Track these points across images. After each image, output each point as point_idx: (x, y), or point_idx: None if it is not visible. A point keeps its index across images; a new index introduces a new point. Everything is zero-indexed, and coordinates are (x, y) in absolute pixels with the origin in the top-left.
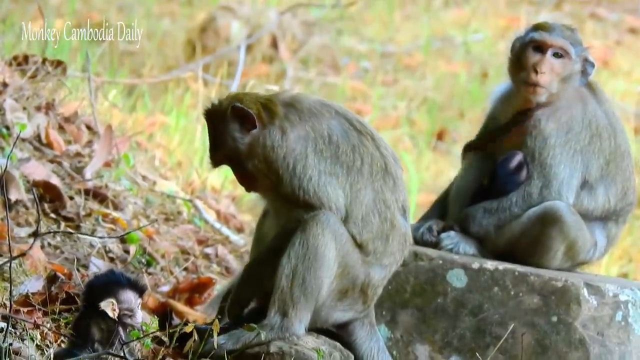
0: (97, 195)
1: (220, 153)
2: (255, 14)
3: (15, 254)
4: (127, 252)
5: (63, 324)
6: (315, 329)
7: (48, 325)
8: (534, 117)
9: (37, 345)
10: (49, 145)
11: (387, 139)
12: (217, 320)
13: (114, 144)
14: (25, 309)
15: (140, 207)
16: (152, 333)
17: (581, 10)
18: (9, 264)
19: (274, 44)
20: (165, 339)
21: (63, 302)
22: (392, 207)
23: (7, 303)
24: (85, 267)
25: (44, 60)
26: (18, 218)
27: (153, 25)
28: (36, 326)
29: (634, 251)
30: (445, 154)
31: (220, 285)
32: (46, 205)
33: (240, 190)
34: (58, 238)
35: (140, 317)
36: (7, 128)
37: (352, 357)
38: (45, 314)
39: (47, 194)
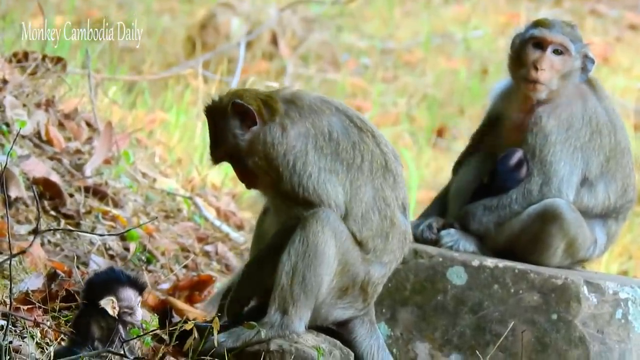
0: (97, 192)
1: (220, 150)
2: (255, 10)
3: (15, 251)
4: (127, 249)
5: (63, 322)
6: (315, 326)
7: (48, 323)
8: (534, 114)
9: (37, 343)
10: (49, 142)
11: (387, 135)
12: (217, 318)
13: (113, 141)
14: (25, 307)
15: (140, 205)
16: (152, 331)
17: (581, 7)
18: (9, 262)
19: (274, 41)
20: (165, 336)
21: (63, 300)
22: (392, 204)
23: (7, 301)
24: (85, 264)
25: (44, 57)
26: (18, 215)
27: (153, 22)
28: (36, 324)
29: (634, 248)
30: (445, 151)
31: (221, 282)
32: (46, 203)
33: (241, 187)
34: (58, 235)
35: (140, 314)
36: (7, 125)
37: (352, 355)
38: (45, 311)
39: (47, 191)
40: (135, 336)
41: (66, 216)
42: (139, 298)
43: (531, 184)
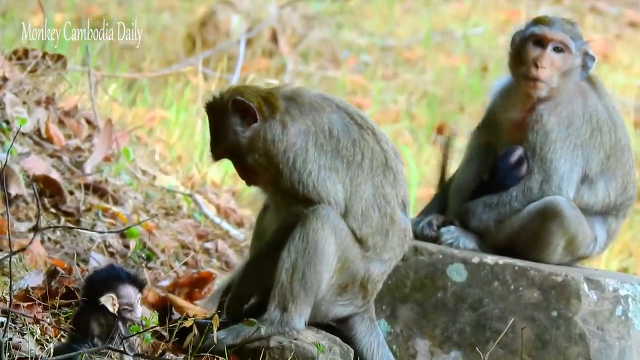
0: (97, 189)
1: (221, 147)
2: (255, 8)
3: (15, 248)
4: (127, 246)
5: (63, 319)
6: (315, 323)
7: (48, 320)
8: (535, 112)
9: (37, 339)
10: (49, 139)
11: (387, 133)
12: (217, 314)
13: (113, 139)
14: (25, 304)
15: (140, 202)
16: (152, 328)
17: (581, 4)
18: (9, 259)
19: (274, 38)
20: (165, 333)
21: (63, 297)
22: (392, 202)
23: (7, 298)
24: (85, 261)
25: (44, 55)
26: (18, 213)
27: (153, 19)
28: (36, 321)
29: (634, 245)
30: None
31: (220, 280)
32: (46, 200)
33: (240, 184)
34: (58, 233)
35: (140, 311)
36: (7, 122)
37: (352, 351)
38: (45, 308)
39: (47, 188)
40: (135, 333)
41: (66, 213)
42: (139, 295)
43: (531, 181)
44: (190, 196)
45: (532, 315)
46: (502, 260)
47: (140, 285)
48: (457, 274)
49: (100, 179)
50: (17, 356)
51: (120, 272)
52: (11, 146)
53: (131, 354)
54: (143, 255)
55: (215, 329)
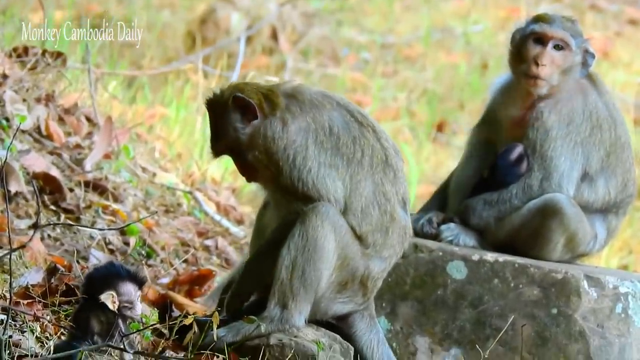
0: (97, 187)
1: (221, 143)
2: (255, 5)
3: (15, 245)
4: (127, 244)
5: (63, 316)
6: (315, 321)
7: (48, 318)
8: (536, 109)
9: (36, 337)
10: (49, 137)
11: (387, 130)
12: (217, 312)
13: (113, 136)
14: (25, 301)
15: (140, 199)
16: (152, 325)
17: (581, 1)
18: (9, 256)
19: (274, 36)
20: (165, 331)
21: (63, 294)
22: (392, 199)
23: (7, 295)
24: (85, 259)
25: (44, 52)
26: (18, 210)
27: (153, 16)
28: (36, 318)
29: (634, 243)
30: (445, 145)
31: (220, 277)
32: (46, 197)
33: (241, 182)
34: (58, 230)
35: (140, 309)
36: (7, 120)
37: (352, 349)
38: (45, 306)
39: (47, 185)
40: (135, 330)
41: (66, 211)
42: (139, 292)
43: (531, 178)
44: (190, 193)
45: (532, 312)
46: (502, 257)
47: (140, 282)
48: (457, 271)
49: (100, 176)
50: (17, 354)
51: (120, 270)
52: (11, 143)
53: (131, 352)
54: (143, 252)
55: (215, 326)
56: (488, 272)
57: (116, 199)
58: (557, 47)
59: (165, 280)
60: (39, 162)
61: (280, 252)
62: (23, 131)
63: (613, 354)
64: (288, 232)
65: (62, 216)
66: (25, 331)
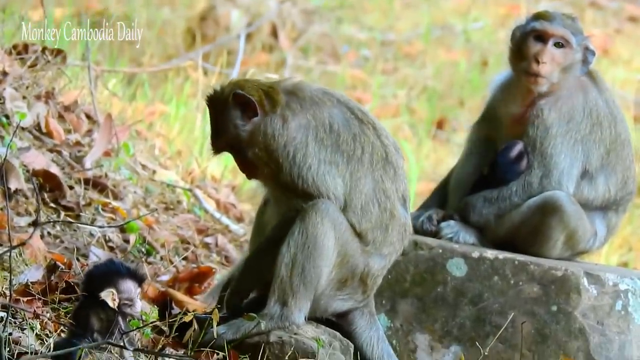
0: (97, 184)
1: (221, 140)
2: (255, 2)
3: (15, 243)
4: (126, 241)
5: (63, 314)
6: (315, 318)
7: (48, 315)
8: (536, 107)
9: (36, 334)
10: (49, 134)
11: (386, 127)
12: (217, 309)
13: (113, 133)
14: (25, 299)
15: (140, 197)
16: (151, 323)
17: None
18: (8, 254)
19: (274, 33)
20: (165, 328)
21: (63, 292)
22: (392, 196)
23: (7, 292)
24: (85, 256)
25: (44, 49)
26: (18, 207)
27: (153, 13)
28: (36, 316)
29: (634, 240)
30: (445, 143)
31: (220, 274)
32: (46, 195)
33: (240, 179)
34: (58, 227)
35: (140, 306)
36: (7, 117)
37: (352, 346)
38: (45, 303)
39: (46, 183)
40: (134, 328)
41: (66, 208)
42: (139, 290)
43: (531, 176)
44: (190, 191)
45: (532, 309)
46: (502, 254)
47: (140, 280)
48: (457, 268)
49: (100, 173)
50: (17, 351)
51: (120, 267)
52: (11, 141)
53: (131, 349)
54: (143, 250)
55: (215, 323)
56: (488, 269)
57: (116, 197)
58: (558, 45)
59: (165, 277)
60: (39, 160)
61: (280, 250)
62: (23, 128)
63: (613, 351)
64: (288, 229)
65: (62, 214)
66: (25, 329)
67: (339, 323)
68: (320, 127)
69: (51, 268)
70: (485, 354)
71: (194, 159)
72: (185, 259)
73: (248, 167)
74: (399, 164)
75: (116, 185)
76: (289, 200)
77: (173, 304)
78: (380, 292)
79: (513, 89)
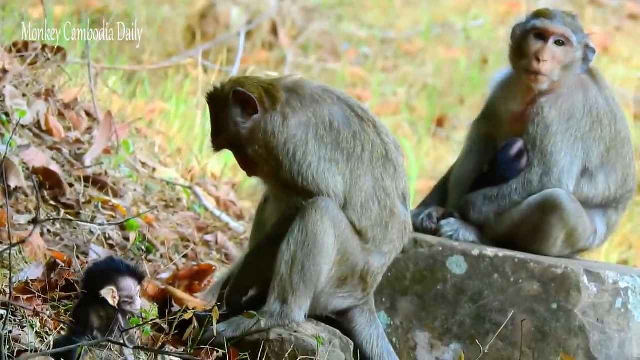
0: (97, 182)
1: (221, 137)
2: (255, 0)
3: (14, 241)
4: (126, 239)
5: (63, 311)
6: (315, 316)
7: (48, 313)
8: (536, 105)
9: (36, 332)
10: (49, 132)
11: (386, 125)
12: (216, 307)
13: (113, 131)
14: (25, 296)
15: (139, 194)
16: (151, 320)
17: None
18: (8, 251)
19: (274, 30)
20: (165, 326)
21: (63, 290)
22: (392, 194)
23: (7, 290)
24: (85, 254)
25: (44, 47)
26: (18, 205)
27: (153, 11)
28: (36, 313)
29: (634, 238)
30: (445, 140)
31: (220, 272)
32: (46, 192)
33: (240, 177)
34: (58, 225)
35: (140, 304)
36: (7, 114)
37: (352, 344)
38: (44, 301)
39: (46, 180)
40: (134, 325)
41: (66, 206)
42: (139, 287)
43: (531, 174)
44: (190, 188)
45: (532, 307)
46: (502, 252)
47: (139, 277)
48: (457, 266)
49: (100, 171)
50: (16, 349)
51: (120, 265)
52: (11, 138)
53: (131, 347)
54: (143, 247)
55: (215, 321)
56: (488, 267)
57: (116, 194)
58: (558, 43)
59: (165, 275)
60: (39, 157)
61: (279, 247)
62: (23, 126)
63: (613, 348)
64: (288, 226)
65: (62, 211)
66: (25, 326)
67: (339, 321)
68: (321, 125)
69: (51, 266)
70: (485, 351)
71: (194, 156)
72: (185, 256)
73: (248, 165)
74: (399, 161)
75: (116, 183)
76: (289, 198)
77: (173, 302)
78: (380, 290)
79: (513, 86)
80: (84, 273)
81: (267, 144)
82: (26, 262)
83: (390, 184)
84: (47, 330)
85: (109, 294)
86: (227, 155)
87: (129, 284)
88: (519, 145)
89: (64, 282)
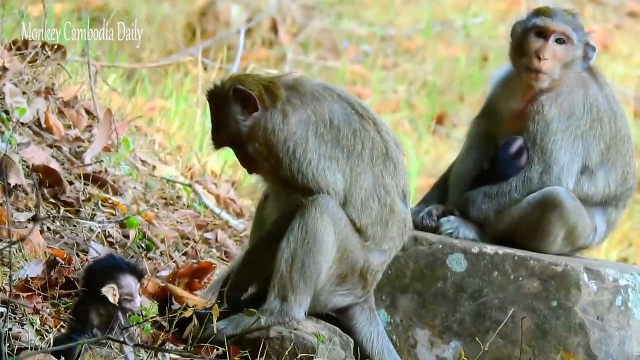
0: (97, 179)
1: (221, 135)
2: None
3: (14, 238)
4: (126, 236)
5: (63, 309)
6: (315, 313)
7: (47, 310)
8: (536, 102)
9: (36, 330)
10: (49, 129)
11: (386, 122)
12: (216, 305)
13: (113, 129)
14: (25, 294)
15: (139, 192)
16: (151, 318)
17: None
18: (8, 249)
19: (274, 28)
20: (165, 323)
21: (62, 287)
22: (392, 192)
23: (7, 288)
24: (85, 251)
25: (44, 45)
26: (17, 203)
27: (153, 9)
28: (36, 311)
29: (634, 235)
30: (445, 138)
31: (220, 270)
32: (45, 190)
33: (240, 174)
34: (57, 223)
35: (140, 301)
36: (7, 112)
37: (352, 341)
38: (44, 298)
39: (46, 178)
40: (134, 323)
41: (66, 203)
42: (139, 285)
43: (531, 171)
44: (189, 186)
45: (531, 305)
46: (501, 250)
47: (139, 275)
48: (457, 263)
49: (100, 169)
50: (16, 346)
51: (120, 262)
52: (10, 136)
53: (131, 344)
54: (142, 245)
55: (215, 319)
56: (488, 264)
57: (116, 192)
58: (559, 41)
59: (165, 273)
60: (39, 155)
61: (279, 245)
62: (23, 124)
63: (613, 346)
64: (288, 224)
65: (62, 209)
66: (25, 324)
67: (339, 318)
68: (321, 123)
69: (51, 263)
70: (485, 349)
71: (193, 154)
72: (185, 254)
73: (248, 162)
74: (399, 159)
75: (116, 181)
76: (288, 196)
77: (173, 300)
78: (380, 288)
79: (513, 84)
80: (84, 271)
81: (267, 141)
82: (26, 260)
83: (390, 181)
84: (47, 327)
85: (109, 291)
86: (227, 153)
87: (129, 281)
88: (519, 142)
89: (64, 279)
